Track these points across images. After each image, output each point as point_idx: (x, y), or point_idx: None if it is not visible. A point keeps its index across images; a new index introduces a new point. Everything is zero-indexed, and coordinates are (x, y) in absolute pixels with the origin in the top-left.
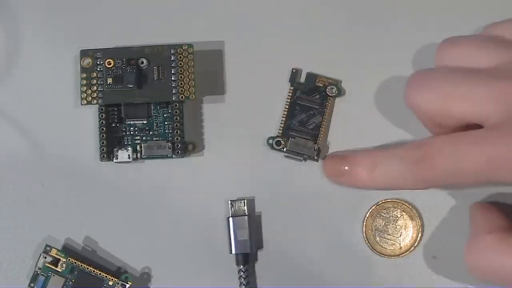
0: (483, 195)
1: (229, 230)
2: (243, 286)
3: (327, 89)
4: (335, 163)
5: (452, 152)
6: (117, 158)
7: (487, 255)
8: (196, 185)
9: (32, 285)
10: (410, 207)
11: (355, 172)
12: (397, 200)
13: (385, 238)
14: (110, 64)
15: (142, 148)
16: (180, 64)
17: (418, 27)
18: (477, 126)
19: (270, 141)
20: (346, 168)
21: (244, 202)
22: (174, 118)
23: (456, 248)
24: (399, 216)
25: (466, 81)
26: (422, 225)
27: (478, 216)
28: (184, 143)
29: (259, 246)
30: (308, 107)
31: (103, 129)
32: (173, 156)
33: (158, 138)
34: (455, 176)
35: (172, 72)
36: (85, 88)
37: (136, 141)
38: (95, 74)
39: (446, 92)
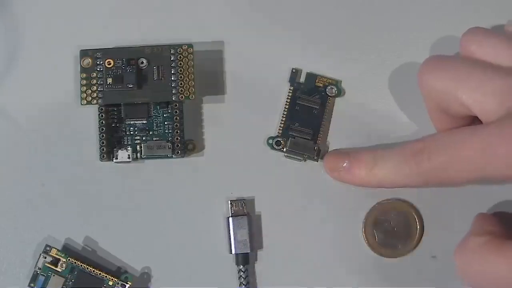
0: (483, 198)
1: (229, 230)
2: (243, 286)
3: (327, 89)
4: (336, 158)
5: (449, 142)
6: (117, 158)
7: (473, 255)
8: (196, 185)
9: (32, 285)
10: (410, 207)
11: (355, 168)
12: (397, 200)
13: (385, 238)
14: (110, 64)
15: (142, 148)
16: (180, 64)
17: (418, 27)
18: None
19: (270, 141)
20: (346, 164)
21: (244, 202)
22: (174, 118)
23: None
24: (399, 216)
25: (483, 73)
26: (422, 225)
27: (474, 222)
28: (184, 143)
29: (259, 246)
30: (308, 107)
31: (103, 129)
32: (173, 156)
33: (158, 138)
34: (451, 167)
35: (172, 72)
36: (85, 88)
37: (136, 141)
38: (95, 74)
39: (462, 77)
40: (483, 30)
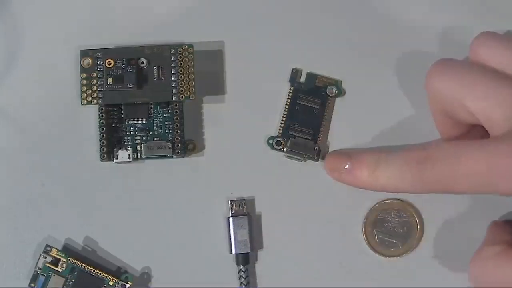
0: (484, 199)
1: (229, 230)
2: (243, 286)
3: (327, 89)
4: (337, 159)
5: (454, 154)
6: (117, 158)
7: (487, 264)
8: (196, 185)
9: (32, 285)
10: (410, 207)
11: (356, 170)
12: (397, 200)
13: (385, 238)
14: (110, 64)
15: (142, 148)
16: (180, 64)
17: (418, 27)
18: (483, 132)
19: (270, 141)
20: (348, 165)
21: (244, 202)
22: (174, 118)
23: (456, 248)
24: (399, 216)
25: (491, 81)
26: (422, 225)
27: (488, 231)
28: (184, 143)
29: (259, 246)
30: (308, 107)
31: (103, 129)
32: (173, 156)
33: (158, 138)
34: (453, 179)
35: (172, 72)
36: (85, 88)
37: (136, 141)
38: (95, 74)
39: (469, 84)
40: (495, 35)
